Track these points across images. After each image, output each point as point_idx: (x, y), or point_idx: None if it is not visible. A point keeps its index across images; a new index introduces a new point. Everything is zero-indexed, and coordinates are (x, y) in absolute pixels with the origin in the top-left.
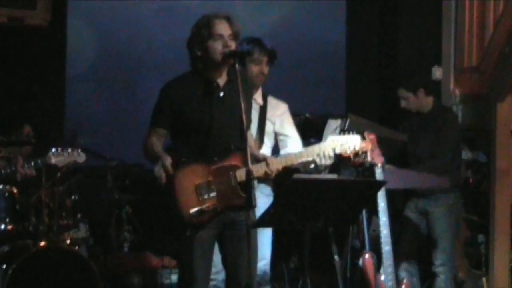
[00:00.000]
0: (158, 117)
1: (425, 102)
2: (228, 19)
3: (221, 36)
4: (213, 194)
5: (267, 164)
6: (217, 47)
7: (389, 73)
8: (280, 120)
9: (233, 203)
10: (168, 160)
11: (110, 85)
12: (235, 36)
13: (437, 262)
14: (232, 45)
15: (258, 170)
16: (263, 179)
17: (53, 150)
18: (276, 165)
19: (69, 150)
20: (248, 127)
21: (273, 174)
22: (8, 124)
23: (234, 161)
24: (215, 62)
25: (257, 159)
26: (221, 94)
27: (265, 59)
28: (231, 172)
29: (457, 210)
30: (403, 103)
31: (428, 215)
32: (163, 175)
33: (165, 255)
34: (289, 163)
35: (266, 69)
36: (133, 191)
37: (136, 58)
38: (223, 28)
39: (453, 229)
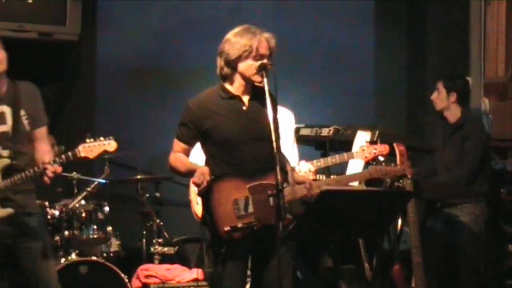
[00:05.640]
0: (182, 132)
1: (453, 108)
2: (270, 40)
3: (261, 57)
4: (250, 211)
5: (307, 188)
6: (255, 65)
7: (418, 84)
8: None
9: (271, 222)
10: (206, 169)
11: (140, 98)
12: (271, 56)
13: (463, 273)
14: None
15: (297, 192)
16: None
17: (82, 143)
18: (317, 188)
19: (100, 139)
20: (278, 143)
21: (312, 198)
22: None
23: (272, 180)
24: (247, 78)
25: (298, 182)
26: (244, 108)
27: None
28: (269, 191)
29: (483, 220)
30: (433, 95)
31: (453, 224)
32: (205, 182)
33: (197, 267)
34: (329, 187)
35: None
36: (164, 203)
37: (166, 70)
38: (265, 49)
39: (479, 239)
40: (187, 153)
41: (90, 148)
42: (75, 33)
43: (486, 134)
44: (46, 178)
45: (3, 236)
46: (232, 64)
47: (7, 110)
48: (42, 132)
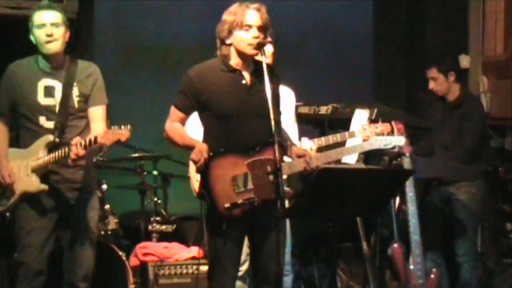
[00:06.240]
0: (180, 101)
1: (453, 87)
2: (259, 10)
3: (250, 27)
4: (250, 187)
5: (307, 161)
6: (245, 37)
7: (417, 62)
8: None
9: (270, 197)
10: (205, 147)
11: (138, 76)
12: (264, 27)
13: (460, 251)
14: (261, 37)
15: (297, 165)
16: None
17: (106, 130)
18: (316, 161)
19: (120, 127)
20: (278, 119)
21: (313, 171)
22: None
23: (270, 154)
24: (241, 52)
25: (298, 155)
26: (244, 82)
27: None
28: (267, 167)
29: (480, 199)
30: (431, 84)
31: (451, 203)
32: (202, 159)
33: (195, 245)
34: (329, 159)
35: (272, 48)
36: (161, 181)
37: (164, 48)
38: (253, 19)
39: (476, 218)
40: (183, 121)
41: (107, 135)
42: (73, 10)
43: (484, 113)
44: (69, 160)
45: (48, 209)
46: (226, 42)
47: (57, 85)
48: (96, 111)
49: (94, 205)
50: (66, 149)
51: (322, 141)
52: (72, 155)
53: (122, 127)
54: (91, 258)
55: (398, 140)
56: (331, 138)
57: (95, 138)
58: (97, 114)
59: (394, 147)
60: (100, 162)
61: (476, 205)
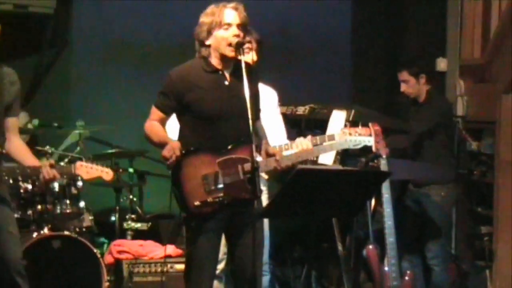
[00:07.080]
0: (161, 101)
1: (424, 89)
2: (237, 9)
3: (229, 25)
4: (220, 186)
5: (277, 160)
6: (225, 35)
7: (395, 64)
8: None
9: (241, 196)
10: (177, 144)
11: (116, 73)
12: (243, 25)
13: (430, 254)
14: (240, 35)
15: (267, 164)
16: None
17: (81, 161)
18: (286, 161)
19: (98, 165)
20: (257, 117)
21: (283, 169)
22: None
23: (242, 153)
24: (221, 51)
25: (268, 154)
26: (227, 83)
27: (254, 46)
28: (239, 165)
29: (452, 201)
30: (403, 87)
31: (421, 205)
32: (174, 157)
33: (170, 243)
34: (299, 159)
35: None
36: (137, 179)
37: (142, 46)
38: (231, 17)
39: (447, 220)
40: (163, 122)
41: (86, 169)
42: (51, 6)
43: (450, 110)
44: (42, 180)
45: None
46: (206, 43)
47: None
48: (15, 122)
49: (6, 200)
50: (30, 166)
51: None
52: (47, 177)
53: (100, 165)
54: (19, 251)
55: (367, 140)
56: (312, 141)
57: (69, 168)
58: (15, 125)
59: (364, 147)
60: (75, 159)
61: (447, 208)
